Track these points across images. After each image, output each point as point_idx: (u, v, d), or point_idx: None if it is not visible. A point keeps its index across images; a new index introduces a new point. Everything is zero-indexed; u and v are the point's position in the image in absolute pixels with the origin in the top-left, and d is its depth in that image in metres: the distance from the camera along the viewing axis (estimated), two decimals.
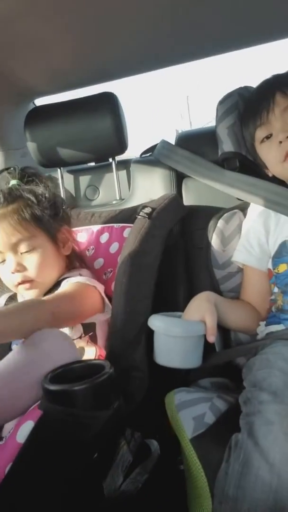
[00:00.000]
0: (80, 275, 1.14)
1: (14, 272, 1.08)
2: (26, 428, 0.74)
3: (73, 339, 1.03)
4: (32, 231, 1.10)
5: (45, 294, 1.10)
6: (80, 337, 1.06)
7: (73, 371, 0.82)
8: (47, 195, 1.16)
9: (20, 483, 0.70)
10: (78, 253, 1.25)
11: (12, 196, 1.12)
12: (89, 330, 1.08)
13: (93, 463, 0.84)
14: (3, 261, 1.10)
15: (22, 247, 1.09)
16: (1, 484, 0.69)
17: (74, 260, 1.22)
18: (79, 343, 1.07)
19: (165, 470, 1.02)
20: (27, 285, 1.09)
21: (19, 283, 1.09)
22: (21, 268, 1.08)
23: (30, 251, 1.09)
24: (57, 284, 1.12)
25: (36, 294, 1.11)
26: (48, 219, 1.14)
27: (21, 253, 1.09)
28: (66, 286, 1.06)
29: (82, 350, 1.07)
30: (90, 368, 0.81)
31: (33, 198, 1.12)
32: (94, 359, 0.86)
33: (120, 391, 0.83)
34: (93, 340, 1.07)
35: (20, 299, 1.19)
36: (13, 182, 1.16)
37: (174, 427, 0.85)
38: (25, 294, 1.12)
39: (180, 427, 0.82)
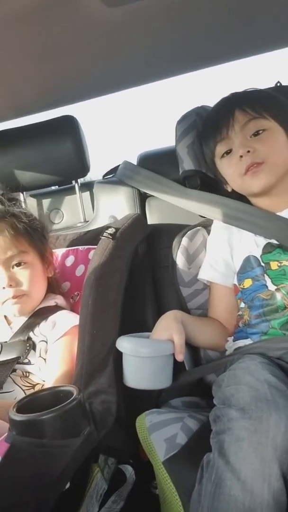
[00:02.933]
0: (56, 303, 1.15)
1: (7, 286, 1.07)
2: None
3: None
4: (25, 247, 1.12)
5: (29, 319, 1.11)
6: None
7: (40, 400, 0.79)
8: (32, 215, 1.19)
9: None
10: (56, 277, 1.24)
11: (2, 213, 1.12)
12: None
13: (66, 494, 0.81)
14: None
15: (15, 262, 1.09)
16: None
17: (52, 284, 1.21)
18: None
19: (140, 496, 1.00)
20: (17, 299, 1.09)
21: (9, 298, 1.08)
22: (13, 283, 1.08)
23: (22, 266, 1.10)
24: (38, 312, 1.12)
25: (21, 310, 1.10)
26: (39, 237, 1.17)
27: (13, 268, 1.09)
28: (63, 343, 1.05)
29: None
30: (57, 395, 0.79)
31: (23, 217, 1.14)
32: (61, 386, 0.84)
33: (90, 416, 0.81)
34: None
35: (0, 321, 1.16)
36: None
37: (146, 450, 0.84)
38: (12, 309, 1.10)
39: (152, 450, 0.81)
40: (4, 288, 1.08)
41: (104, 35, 1.10)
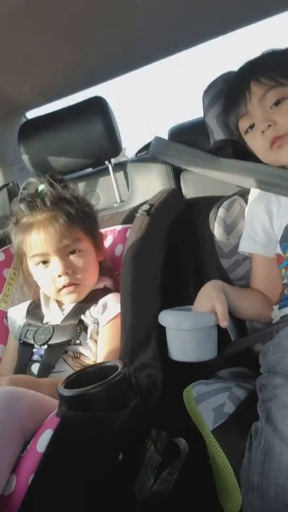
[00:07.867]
0: (105, 286, 1.16)
1: (63, 274, 1.08)
2: (45, 437, 0.74)
3: None
4: (79, 234, 1.11)
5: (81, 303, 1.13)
6: None
7: (87, 376, 0.81)
8: (84, 199, 1.18)
9: (44, 493, 0.70)
10: (105, 259, 1.23)
11: (55, 199, 1.10)
12: None
13: (120, 466, 0.83)
14: (46, 263, 1.10)
15: (70, 250, 1.09)
16: (25, 495, 0.69)
17: (101, 266, 1.20)
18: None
19: (195, 467, 1.00)
20: (71, 288, 1.09)
21: (64, 286, 1.09)
22: (69, 270, 1.08)
23: (77, 254, 1.10)
24: (89, 296, 1.13)
25: (76, 298, 1.12)
26: (92, 223, 1.16)
27: (68, 256, 1.09)
28: (112, 326, 1.06)
29: None
30: (103, 370, 0.81)
31: (76, 202, 1.13)
32: (107, 361, 0.85)
33: (136, 390, 0.82)
34: None
35: (52, 304, 1.17)
36: (42, 187, 1.14)
37: (194, 420, 0.84)
38: (66, 299, 1.12)
39: (200, 419, 0.81)
40: (60, 276, 1.08)
41: (124, 8, 1.08)
